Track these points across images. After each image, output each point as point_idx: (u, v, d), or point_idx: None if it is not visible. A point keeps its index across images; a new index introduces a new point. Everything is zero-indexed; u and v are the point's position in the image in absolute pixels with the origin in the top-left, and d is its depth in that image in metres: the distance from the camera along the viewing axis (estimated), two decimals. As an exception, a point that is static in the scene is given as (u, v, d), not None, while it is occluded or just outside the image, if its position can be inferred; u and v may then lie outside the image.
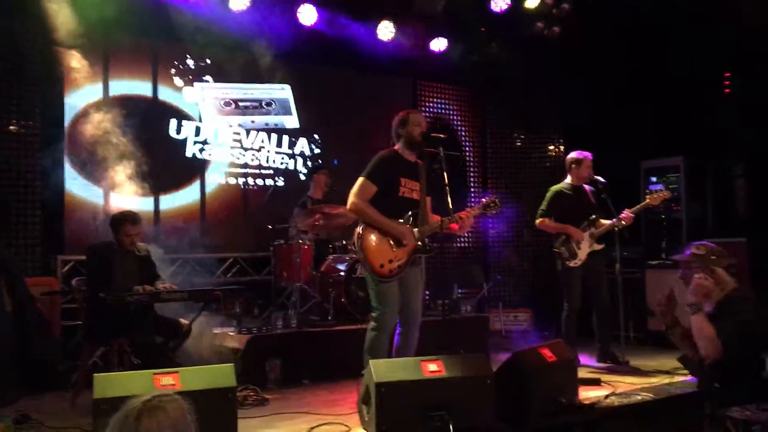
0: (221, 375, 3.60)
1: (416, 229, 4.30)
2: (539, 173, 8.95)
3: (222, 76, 7.41)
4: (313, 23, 7.31)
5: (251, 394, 4.73)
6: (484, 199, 4.57)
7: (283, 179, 7.72)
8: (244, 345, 5.27)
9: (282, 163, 7.79)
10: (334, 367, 5.39)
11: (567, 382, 4.29)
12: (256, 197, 7.49)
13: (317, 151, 8.08)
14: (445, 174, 4.41)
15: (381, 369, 3.71)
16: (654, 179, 7.84)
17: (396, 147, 4.48)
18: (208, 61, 7.29)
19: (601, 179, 5.79)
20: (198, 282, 6.30)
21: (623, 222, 5.66)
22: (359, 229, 4.28)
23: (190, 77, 7.24)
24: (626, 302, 6.25)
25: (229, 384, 3.56)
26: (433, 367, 3.75)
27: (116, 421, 1.78)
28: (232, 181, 7.52)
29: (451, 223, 4.30)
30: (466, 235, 8.68)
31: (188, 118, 7.22)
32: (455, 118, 9.17)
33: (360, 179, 4.33)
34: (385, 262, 4.19)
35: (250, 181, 7.62)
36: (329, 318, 6.08)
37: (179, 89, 7.19)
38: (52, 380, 5.00)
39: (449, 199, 4.34)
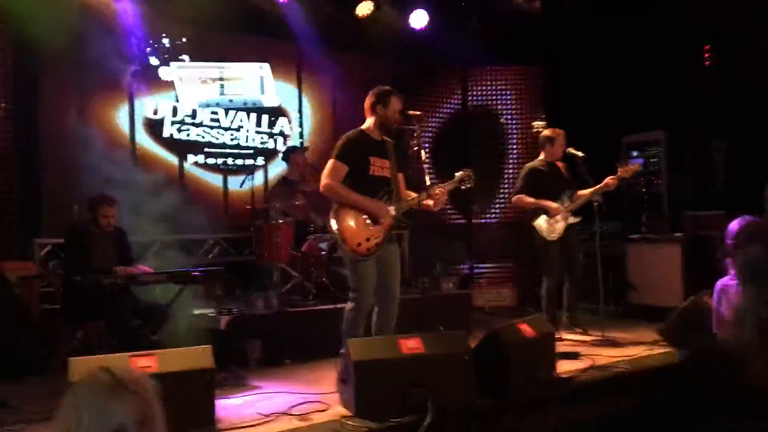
0: (199, 357, 3.58)
1: (391, 206, 4.28)
2: (522, 148, 8.94)
3: (199, 54, 7.31)
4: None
5: (230, 375, 4.72)
6: (457, 174, 4.51)
7: (263, 159, 7.65)
8: (225, 326, 5.25)
9: (262, 143, 7.72)
10: (314, 346, 5.37)
11: (545, 357, 4.31)
12: (235, 177, 7.42)
13: (298, 130, 8.02)
14: (422, 152, 4.41)
15: (359, 347, 3.71)
16: (635, 153, 7.85)
17: (364, 126, 4.42)
18: (184, 39, 7.18)
19: (580, 153, 5.78)
20: (178, 263, 6.25)
21: (608, 185, 5.68)
22: (333, 210, 4.24)
23: (166, 56, 7.14)
24: (606, 276, 6.28)
25: (208, 365, 3.54)
26: (411, 345, 3.75)
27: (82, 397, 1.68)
28: (211, 161, 7.45)
29: (425, 199, 4.28)
30: (446, 210, 8.63)
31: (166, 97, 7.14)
32: (436, 94, 9.10)
33: (330, 161, 4.29)
34: (362, 241, 4.16)
35: (230, 161, 7.56)
36: (310, 298, 6.06)
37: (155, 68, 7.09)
38: (30, 365, 4.95)
39: (426, 177, 4.35)
